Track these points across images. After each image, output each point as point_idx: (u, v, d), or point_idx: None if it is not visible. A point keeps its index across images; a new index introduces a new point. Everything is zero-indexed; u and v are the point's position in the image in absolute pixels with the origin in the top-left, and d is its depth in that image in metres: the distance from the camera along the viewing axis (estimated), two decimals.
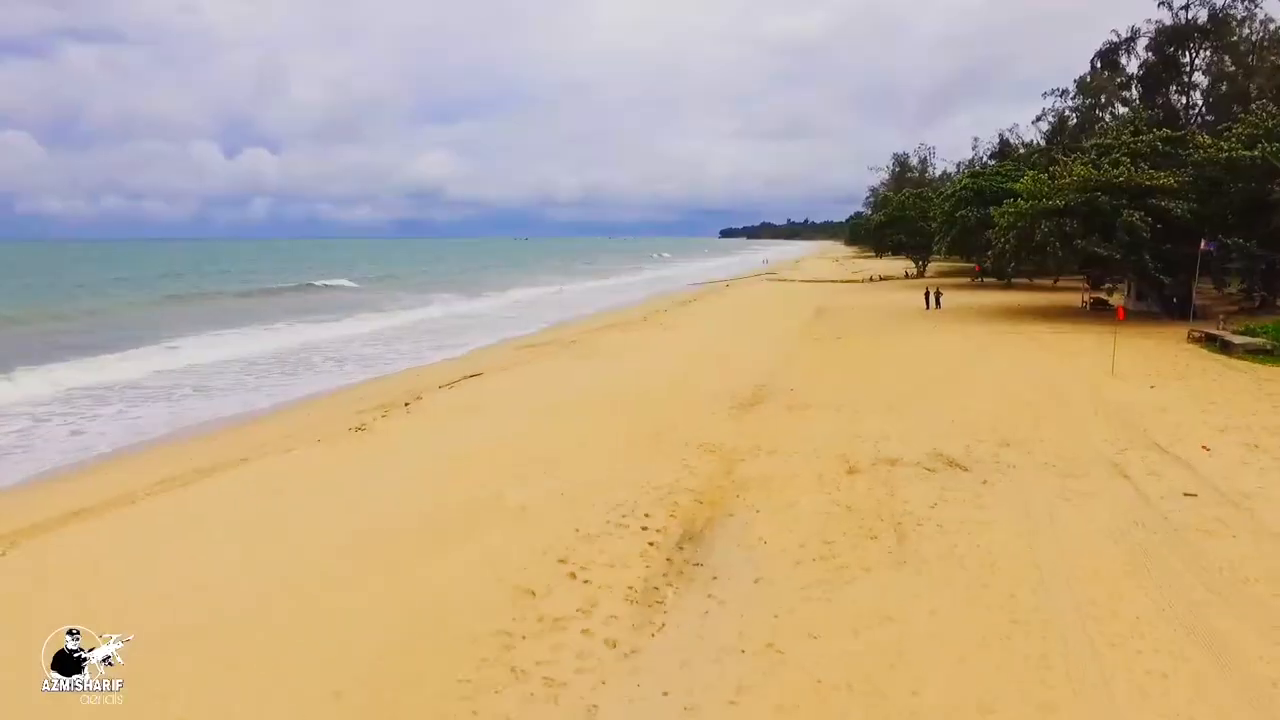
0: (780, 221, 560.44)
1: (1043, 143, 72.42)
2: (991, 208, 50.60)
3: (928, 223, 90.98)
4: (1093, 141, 50.65)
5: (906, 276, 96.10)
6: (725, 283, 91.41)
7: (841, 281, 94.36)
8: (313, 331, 48.55)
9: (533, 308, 66.73)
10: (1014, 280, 73.13)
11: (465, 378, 31.20)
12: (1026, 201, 44.84)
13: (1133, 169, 42.22)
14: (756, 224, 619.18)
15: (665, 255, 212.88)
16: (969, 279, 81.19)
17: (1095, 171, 43.10)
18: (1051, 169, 46.88)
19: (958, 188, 72.28)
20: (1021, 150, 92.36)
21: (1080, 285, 64.93)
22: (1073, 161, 46.07)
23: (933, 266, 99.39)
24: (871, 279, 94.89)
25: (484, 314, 62.79)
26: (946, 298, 56.34)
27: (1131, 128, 46.78)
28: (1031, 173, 48.64)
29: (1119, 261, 42.03)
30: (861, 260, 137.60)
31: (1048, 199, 43.83)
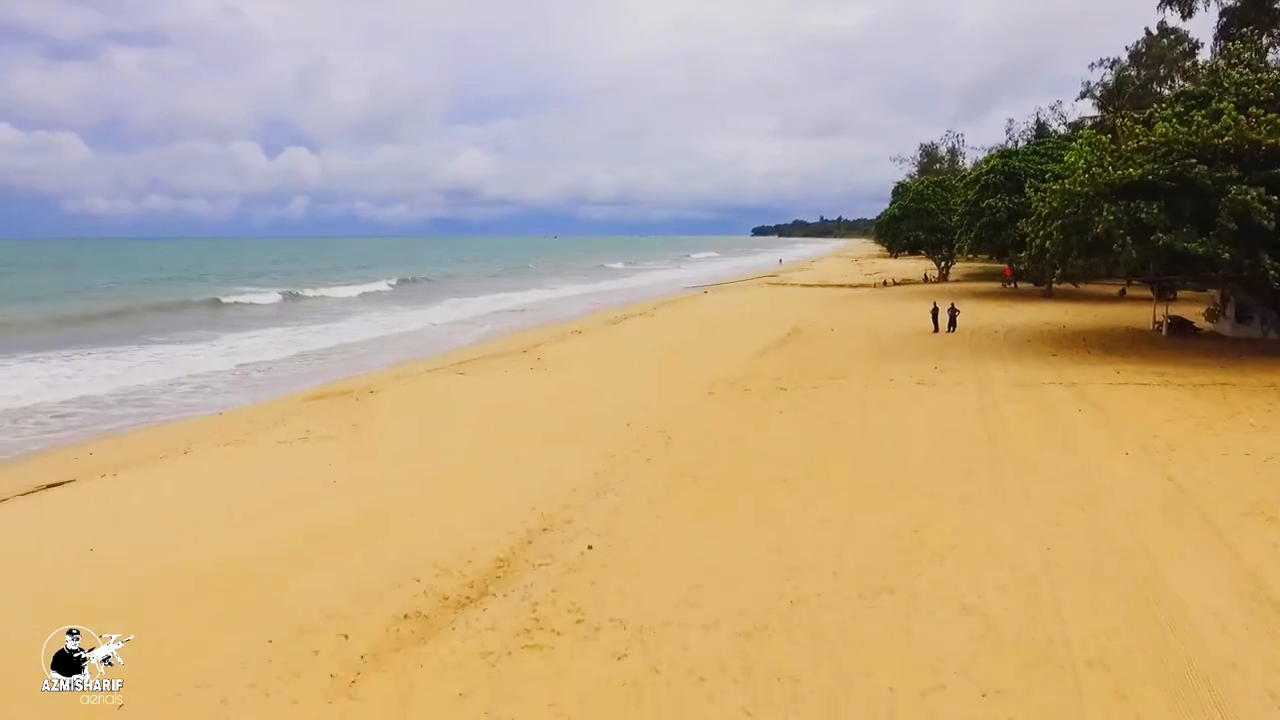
0: (813, 219, 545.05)
1: (1097, 114, 56.71)
2: (1028, 191, 35.38)
3: (949, 215, 75.69)
4: (1179, 89, 35.21)
5: (926, 280, 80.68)
6: (705, 289, 76.56)
7: (850, 286, 79.15)
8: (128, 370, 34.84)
9: (408, 339, 52.68)
10: (1056, 286, 57.64)
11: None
12: (1080, 176, 29.61)
13: (1245, 123, 27.03)
14: (789, 222, 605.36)
15: (690, 255, 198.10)
16: (999, 284, 65.67)
17: (1186, 129, 27.89)
18: (1118, 129, 31.58)
19: (984, 170, 56.89)
20: (1063, 130, 75.81)
21: (1146, 293, 49.46)
22: (1150, 117, 30.88)
23: (958, 268, 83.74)
24: (885, 283, 79.62)
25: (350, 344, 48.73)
26: (966, 313, 41.32)
27: (1242, 63, 31.31)
28: (1086, 134, 33.14)
29: (1225, 262, 26.80)
30: (884, 260, 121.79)
31: (1113, 172, 28.62)
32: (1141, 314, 44.46)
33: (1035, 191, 33.92)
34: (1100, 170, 29.09)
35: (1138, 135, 29.48)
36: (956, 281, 78.03)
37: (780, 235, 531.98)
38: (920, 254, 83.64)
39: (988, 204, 54.37)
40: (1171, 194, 28.10)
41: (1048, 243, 31.15)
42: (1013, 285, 65.32)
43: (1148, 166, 28.15)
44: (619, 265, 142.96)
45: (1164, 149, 28.23)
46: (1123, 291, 40.31)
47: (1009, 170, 54.97)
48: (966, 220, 57.87)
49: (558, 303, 67.98)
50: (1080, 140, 32.60)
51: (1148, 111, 32.17)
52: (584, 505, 15.23)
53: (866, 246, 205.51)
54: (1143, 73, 69.89)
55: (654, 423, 21.77)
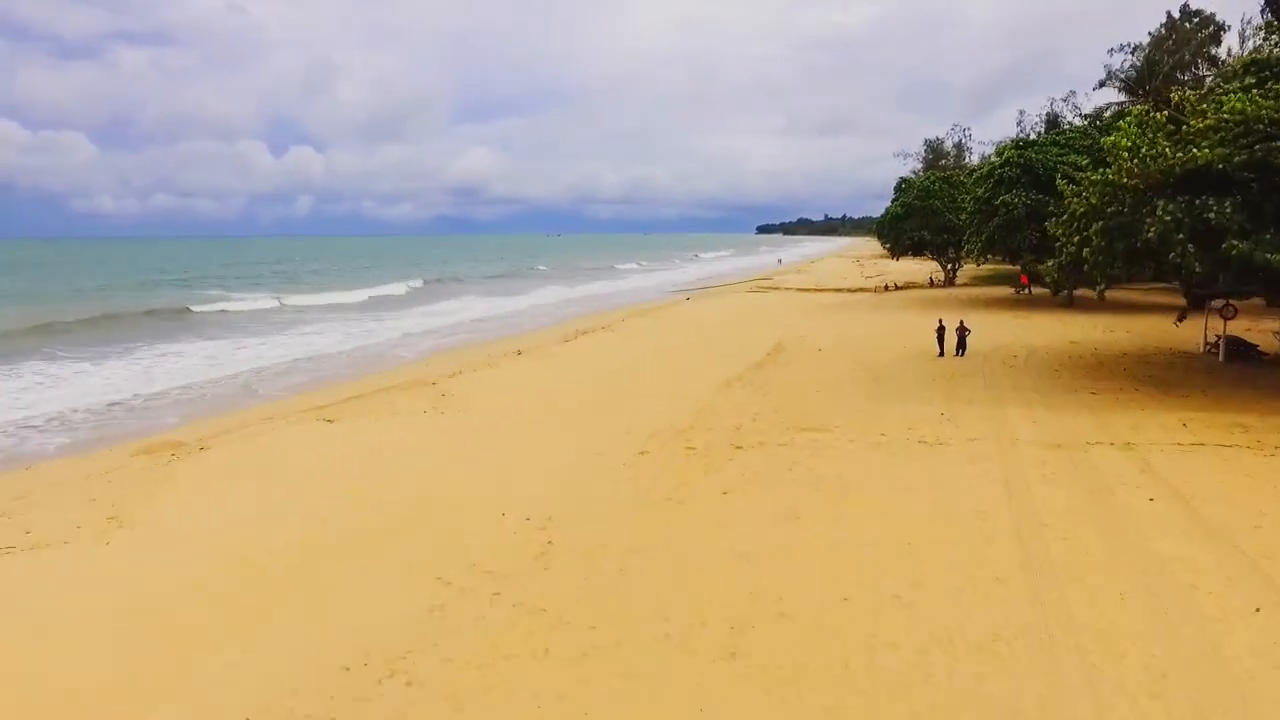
0: (818, 217, 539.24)
1: (1123, 100, 49.89)
2: (1060, 182, 28.75)
3: (957, 213, 69.01)
4: (1247, 57, 28.62)
5: (931, 284, 74.07)
6: (688, 295, 69.85)
7: (848, 290, 72.54)
8: None
9: (330, 360, 46.36)
10: (1074, 293, 51.12)
11: None
12: (1126, 163, 23.02)
13: None
14: (793, 220, 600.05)
15: (697, 255, 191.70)
16: (1013, 290, 58.98)
17: (1272, 103, 21.34)
18: (1176, 107, 24.95)
19: (996, 163, 50.25)
20: (1079, 121, 68.81)
21: (1173, 296, 42.93)
22: (1209, 93, 24.35)
23: (966, 271, 77.05)
24: (886, 288, 73.03)
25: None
26: (977, 327, 34.78)
27: None
28: (1135, 113, 26.34)
29: None
30: (886, 261, 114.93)
31: (1170, 155, 22.02)
32: (1183, 328, 37.83)
33: (1068, 184, 27.28)
34: (1154, 156, 22.47)
35: (1204, 112, 22.82)
36: (964, 286, 71.39)
37: (785, 234, 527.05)
38: (925, 255, 76.90)
39: (1002, 201, 47.76)
40: (1248, 188, 21.53)
41: (1085, 250, 24.50)
42: (1027, 292, 58.70)
43: (1217, 151, 21.54)
44: (617, 266, 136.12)
45: (1239, 128, 21.63)
46: (1181, 317, 33.31)
47: (1025, 163, 48.33)
48: (977, 219, 51.21)
49: (526, 311, 61.39)
50: (1127, 119, 25.91)
51: (1207, 84, 25.57)
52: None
53: (870, 245, 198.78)
54: (1168, 59, 63.20)
55: (543, 509, 15.33)
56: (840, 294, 69.55)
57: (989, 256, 53.07)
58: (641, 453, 19.59)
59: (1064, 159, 47.66)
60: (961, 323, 32.15)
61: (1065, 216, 26.72)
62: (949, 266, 74.32)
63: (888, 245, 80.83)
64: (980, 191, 51.48)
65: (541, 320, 54.90)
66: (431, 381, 29.16)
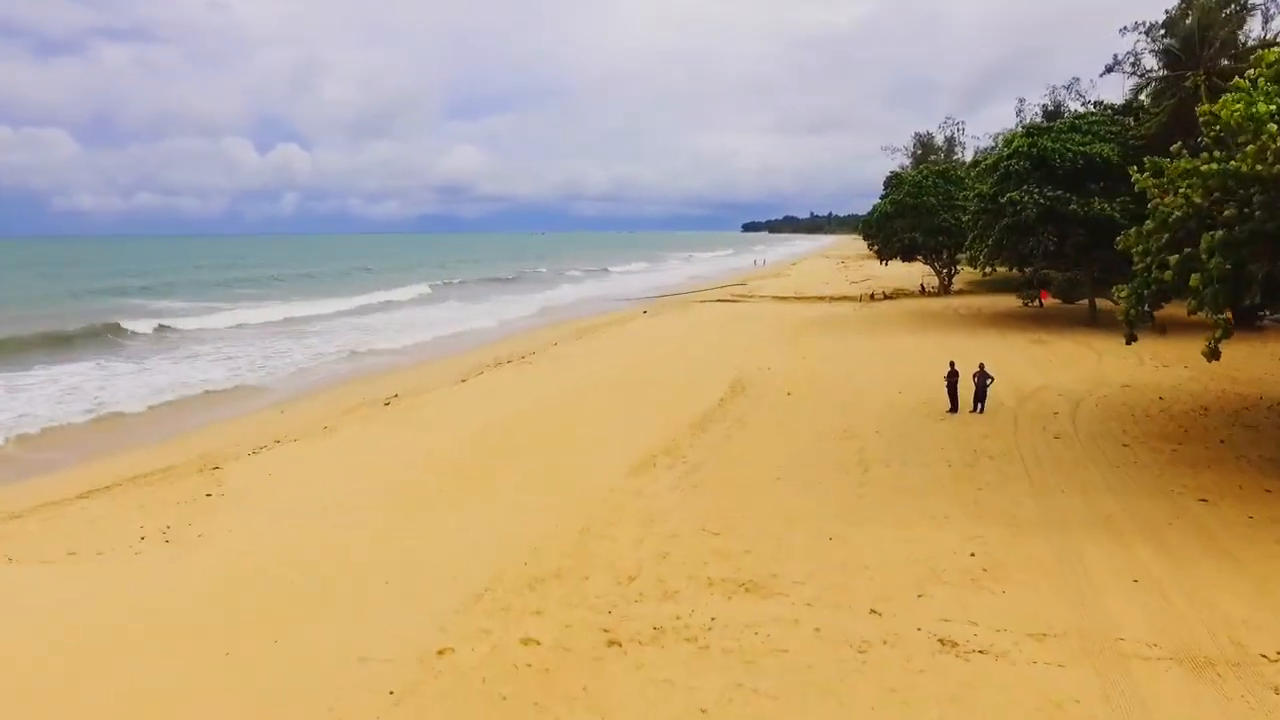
0: (804, 215, 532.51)
1: (1157, 74, 40.92)
2: (1135, 173, 19.74)
3: (954, 213, 60.35)
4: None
5: (923, 292, 65.44)
6: (645, 309, 60.72)
7: (830, 299, 63.85)
8: None
9: (132, 424, 37.24)
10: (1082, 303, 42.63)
11: None
12: (1274, 143, 14.10)
13: None
14: (779, 218, 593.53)
15: (657, 254, 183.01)
16: (1021, 302, 50.31)
17: None
18: None
19: (1004, 154, 41.45)
20: (1093, 108, 59.46)
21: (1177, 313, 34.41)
22: None
23: (962, 276, 68.37)
24: (872, 296, 64.36)
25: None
26: (991, 358, 25.98)
27: None
28: (1267, 55, 17.27)
29: None
30: (873, 263, 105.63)
31: None
32: (1255, 357, 29.21)
33: (1148, 177, 18.49)
34: None
35: None
36: (961, 294, 62.78)
37: (770, 231, 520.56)
38: (916, 259, 68.13)
39: (1011, 199, 38.97)
40: None
41: (1194, 277, 15.63)
42: (1036, 304, 50.08)
43: None
44: (585, 270, 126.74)
45: None
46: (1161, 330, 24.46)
47: (1038, 154, 39.57)
48: (982, 220, 42.42)
49: (455, 337, 52.16)
50: (1256, 68, 16.91)
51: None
52: None
53: (855, 244, 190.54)
54: (1221, 28, 54.44)
55: None
56: (822, 303, 60.85)
57: (995, 265, 44.22)
58: (431, 665, 10.67)
59: (1086, 147, 39.11)
60: (981, 368, 23.26)
61: (1150, 225, 17.89)
62: (944, 272, 65.68)
63: (875, 246, 72.08)
64: (985, 188, 42.71)
65: (456, 345, 45.80)
66: (213, 466, 20.10)
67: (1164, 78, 37.71)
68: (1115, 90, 64.08)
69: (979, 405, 23.16)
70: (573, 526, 15.49)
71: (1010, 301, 52.05)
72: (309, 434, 23.43)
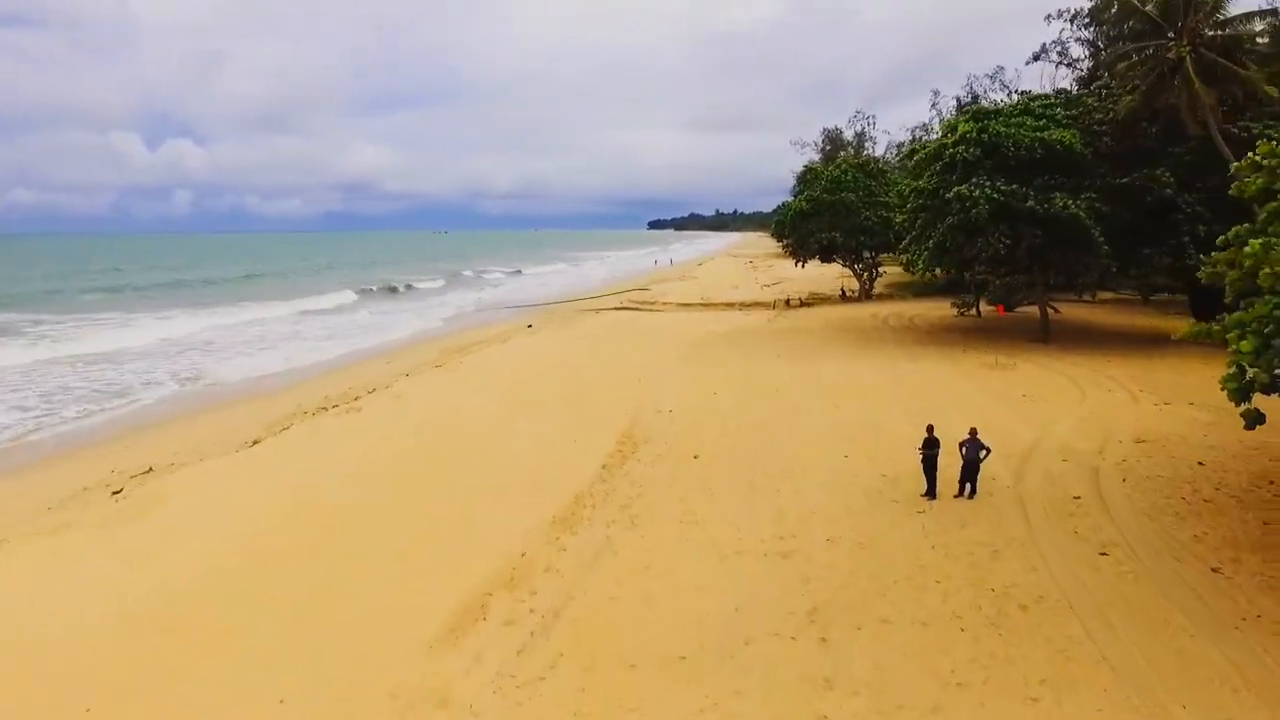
0: (710, 213, 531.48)
1: (1126, 49, 34.77)
2: (1251, 156, 12.87)
3: (877, 210, 54.15)
4: None
5: (844, 297, 59.13)
6: (530, 324, 52.46)
7: (741, 306, 57.04)
8: None
9: None
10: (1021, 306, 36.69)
11: None
12: None
13: None
14: (685, 215, 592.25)
15: (576, 256, 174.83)
16: (956, 310, 44.30)
17: None
18: None
19: (948, 141, 34.84)
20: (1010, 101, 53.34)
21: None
22: None
23: (881, 279, 62.32)
24: (787, 303, 57.74)
25: None
26: (944, 388, 19.18)
27: None
28: None
29: None
30: (783, 262, 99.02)
31: None
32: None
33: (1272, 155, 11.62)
34: None
35: None
36: (883, 298, 56.74)
37: (677, 229, 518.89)
38: (834, 260, 61.67)
39: (959, 193, 32.41)
40: None
41: None
42: (972, 312, 44.11)
43: None
44: (474, 272, 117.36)
45: None
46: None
47: (989, 141, 33.17)
48: (921, 219, 35.81)
49: (316, 358, 43.09)
50: None
51: None
52: None
53: (762, 242, 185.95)
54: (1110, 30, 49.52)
55: None
56: (732, 311, 53.85)
57: (936, 270, 37.65)
58: None
59: (1042, 134, 32.95)
60: (972, 436, 16.03)
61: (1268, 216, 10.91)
62: (866, 276, 59.55)
63: (788, 246, 65.55)
64: (922, 181, 36.15)
65: (302, 374, 36.98)
66: None
67: (1139, 49, 31.55)
68: (1036, 82, 58.68)
69: (967, 487, 16.04)
70: None
71: (942, 309, 46.04)
72: None
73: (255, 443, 22.66)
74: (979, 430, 16.26)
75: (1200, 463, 17.94)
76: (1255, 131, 30.53)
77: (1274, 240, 11.23)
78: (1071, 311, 41.61)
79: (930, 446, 16.03)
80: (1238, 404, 11.65)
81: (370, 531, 15.57)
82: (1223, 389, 11.67)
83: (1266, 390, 11.23)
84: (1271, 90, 29.99)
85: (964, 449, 15.91)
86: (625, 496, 17.17)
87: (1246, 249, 11.58)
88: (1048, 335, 35.53)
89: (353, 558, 14.38)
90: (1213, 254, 13.57)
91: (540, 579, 13.41)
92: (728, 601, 12.33)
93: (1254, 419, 11.73)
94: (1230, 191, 14.14)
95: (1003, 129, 33.69)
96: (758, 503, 16.41)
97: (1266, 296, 11.13)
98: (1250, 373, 11.11)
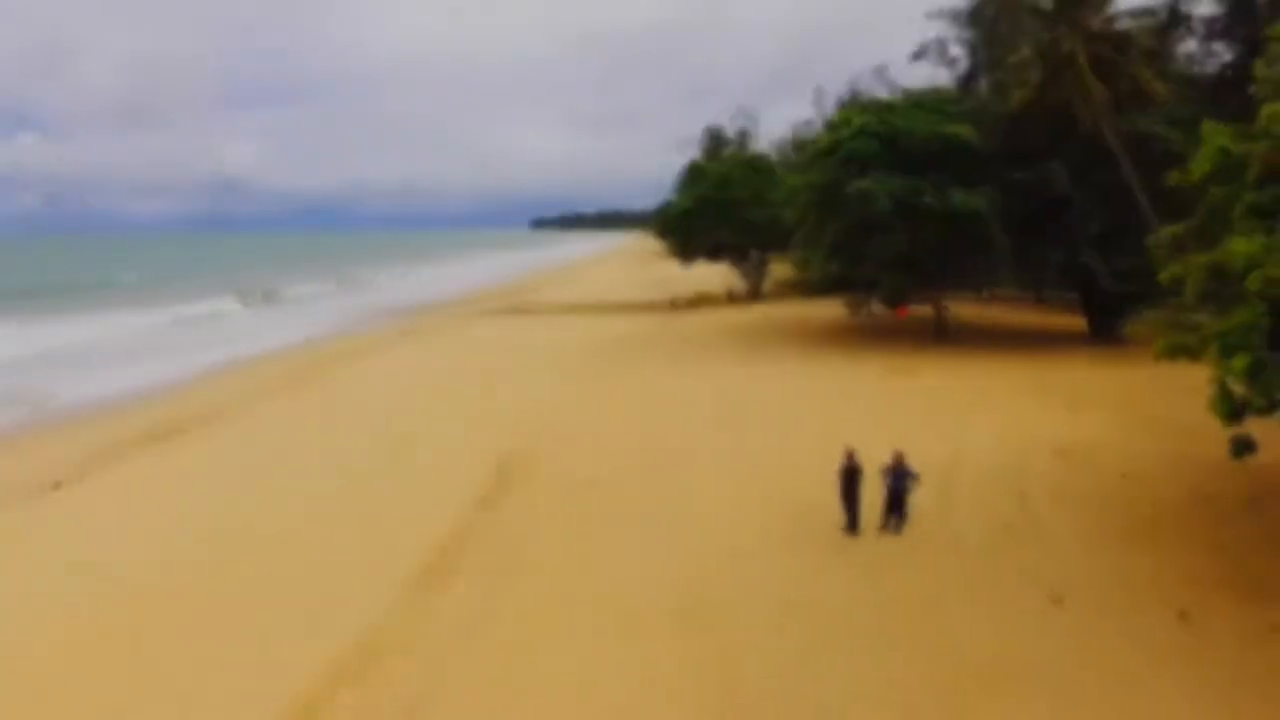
0: (593, 211, 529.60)
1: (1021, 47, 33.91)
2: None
3: (766, 209, 52.83)
4: None
5: (731, 299, 57.71)
6: (403, 330, 48.87)
7: (626, 309, 54.94)
8: None
9: None
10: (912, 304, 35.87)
11: None
12: None
13: None
14: (570, 214, 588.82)
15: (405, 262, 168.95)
16: (850, 311, 43.15)
17: None
18: None
19: (845, 134, 33.40)
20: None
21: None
22: None
23: (773, 275, 61.28)
24: (673, 304, 56.01)
25: None
26: (840, 396, 17.38)
27: None
28: None
29: None
30: (668, 262, 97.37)
31: None
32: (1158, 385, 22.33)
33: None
34: None
35: None
36: (774, 298, 55.62)
37: (561, 228, 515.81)
38: (722, 259, 60.21)
39: (860, 189, 30.98)
40: None
41: None
42: (866, 314, 43.08)
43: None
44: (355, 275, 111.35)
45: None
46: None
47: (889, 134, 31.94)
48: (815, 214, 34.31)
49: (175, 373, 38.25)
50: None
51: None
52: None
53: (647, 241, 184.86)
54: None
55: None
56: (618, 315, 51.59)
57: (832, 269, 36.12)
58: None
59: (939, 128, 31.96)
60: (898, 460, 14.10)
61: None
62: (754, 275, 58.35)
63: (675, 245, 63.85)
64: (817, 176, 34.70)
65: (149, 391, 32.61)
66: None
67: (1033, 41, 30.83)
68: (917, 82, 58.56)
69: (896, 516, 14.14)
70: None
71: (834, 310, 44.91)
72: None
73: (57, 485, 18.91)
74: (904, 453, 14.36)
75: (1124, 475, 16.62)
76: (1141, 129, 30.48)
77: (1277, 242, 9.59)
78: (964, 310, 41.11)
79: (850, 475, 14.05)
80: (1227, 426, 9.99)
81: (173, 626, 12.42)
82: (1213, 412, 10.00)
83: (1263, 413, 9.60)
84: (1159, 87, 29.74)
85: (888, 477, 13.99)
86: (505, 540, 14.60)
87: (1232, 247, 9.92)
88: (945, 336, 34.71)
89: (142, 677, 11.16)
90: (1164, 251, 11.98)
91: (397, 664, 10.72)
92: (629, 688, 9.94)
93: (1244, 447, 10.11)
94: (1171, 180, 12.65)
95: (901, 122, 32.53)
96: (659, 545, 14.10)
97: (1252, 303, 9.48)
98: (1241, 393, 9.45)
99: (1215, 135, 12.13)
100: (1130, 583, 12.04)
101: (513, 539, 14.74)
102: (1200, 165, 12.07)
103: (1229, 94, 29.22)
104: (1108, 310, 32.81)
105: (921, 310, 37.82)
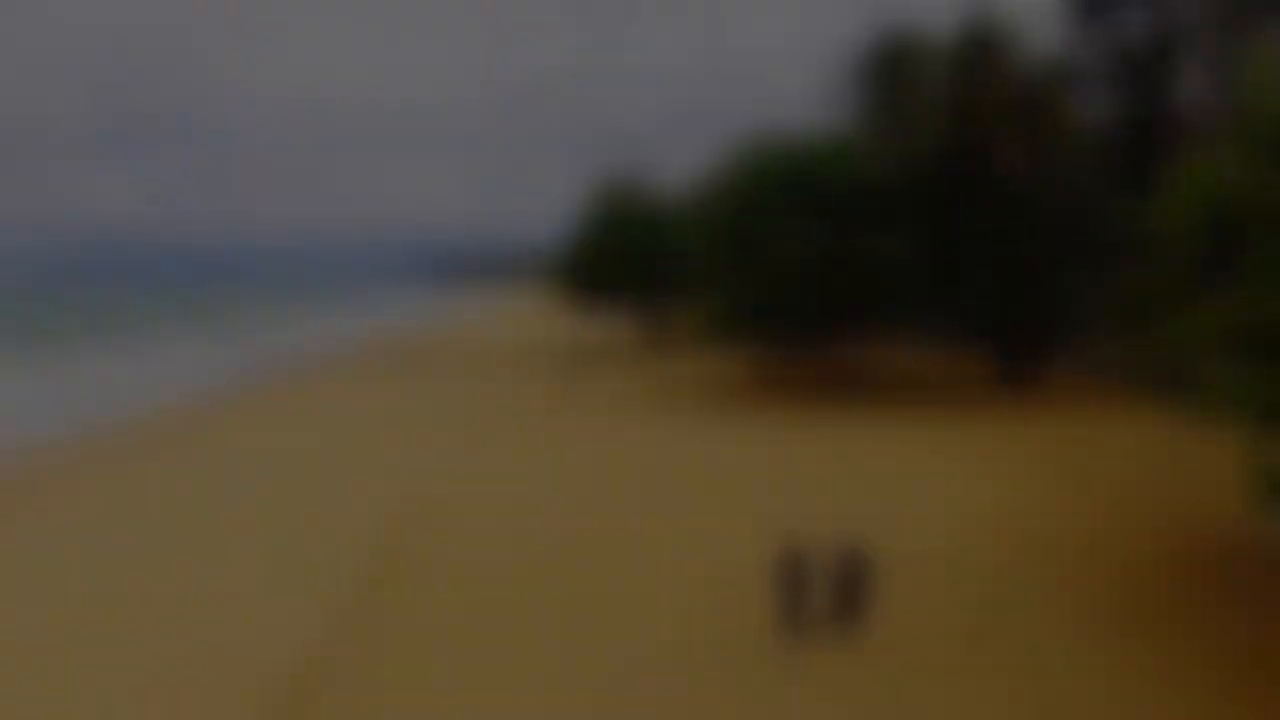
0: (496, 261, 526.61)
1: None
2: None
3: (666, 255, 50.72)
4: None
5: (635, 349, 55.12)
6: (280, 395, 44.52)
7: (524, 364, 51.78)
8: None
9: None
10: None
11: None
12: None
13: None
14: (472, 258, 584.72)
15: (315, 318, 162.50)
16: (753, 365, 41.25)
17: None
18: None
19: (752, 176, 31.32)
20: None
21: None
22: None
23: (675, 324, 59.05)
24: (573, 362, 53.11)
25: None
26: (762, 464, 14.83)
27: None
28: None
29: None
30: (569, 312, 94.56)
31: None
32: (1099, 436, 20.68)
33: None
34: None
35: None
36: (675, 347, 53.28)
37: (458, 276, 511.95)
38: (621, 308, 57.52)
39: (778, 239, 28.81)
40: None
41: None
42: (772, 364, 41.06)
43: None
44: (236, 331, 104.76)
45: None
46: None
47: (802, 176, 30.08)
48: (724, 263, 32.03)
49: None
50: None
51: None
52: None
53: (548, 292, 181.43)
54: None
55: None
56: (516, 368, 48.36)
57: (745, 332, 33.21)
58: None
59: (852, 172, 30.43)
60: (847, 547, 11.35)
61: None
62: (656, 325, 56.16)
63: (574, 296, 61.01)
64: (723, 219, 32.60)
65: None
66: None
67: (947, 83, 29.72)
68: (818, 123, 58.33)
69: (850, 614, 11.44)
70: None
71: (737, 363, 42.90)
72: None
73: None
74: (846, 532, 11.73)
75: (1080, 548, 14.50)
76: (1045, 174, 29.69)
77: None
78: (870, 356, 39.66)
79: (790, 566, 11.30)
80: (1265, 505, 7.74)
81: None
82: (1256, 494, 7.75)
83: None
84: (1067, 131, 29.05)
85: (840, 569, 11.31)
86: (378, 668, 11.23)
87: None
88: (855, 387, 32.95)
89: None
90: (1169, 304, 9.84)
91: None
92: None
93: None
94: (1150, 222, 10.68)
95: (815, 167, 30.78)
96: (572, 676, 11.01)
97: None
98: None
99: (1199, 176, 10.18)
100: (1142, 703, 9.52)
101: (389, 657, 11.33)
102: (1185, 210, 10.09)
103: (1126, 142, 28.84)
104: (1017, 354, 31.72)
105: (833, 359, 36.16)
